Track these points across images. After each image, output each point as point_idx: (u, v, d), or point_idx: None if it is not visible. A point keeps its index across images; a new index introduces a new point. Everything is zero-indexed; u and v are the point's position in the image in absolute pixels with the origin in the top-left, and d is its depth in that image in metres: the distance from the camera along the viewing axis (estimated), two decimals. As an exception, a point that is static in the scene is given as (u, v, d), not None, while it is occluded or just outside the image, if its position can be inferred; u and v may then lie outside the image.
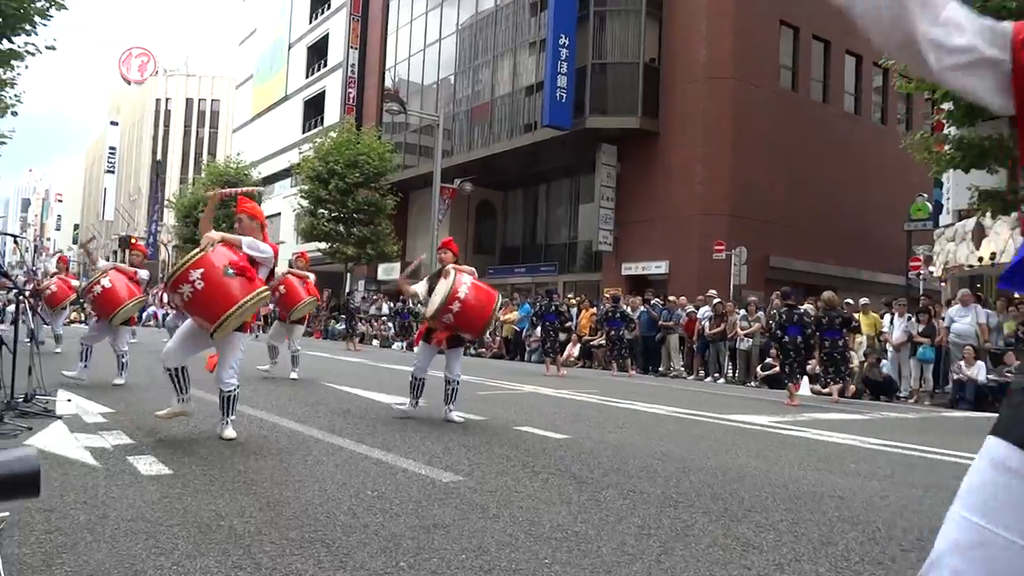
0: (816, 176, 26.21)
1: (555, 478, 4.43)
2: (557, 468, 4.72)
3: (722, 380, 15.69)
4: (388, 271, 37.39)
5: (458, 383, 6.68)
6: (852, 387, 12.60)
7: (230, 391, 5.07)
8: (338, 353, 18.05)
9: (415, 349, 6.72)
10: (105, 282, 7.84)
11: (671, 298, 17.94)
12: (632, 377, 15.39)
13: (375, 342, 24.80)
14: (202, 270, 4.72)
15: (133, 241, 8.54)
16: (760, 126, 24.91)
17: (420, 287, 6.74)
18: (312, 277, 10.20)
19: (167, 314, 20.01)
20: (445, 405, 6.66)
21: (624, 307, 17.39)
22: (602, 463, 4.98)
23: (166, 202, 61.00)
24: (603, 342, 17.46)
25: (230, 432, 5.10)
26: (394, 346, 24.40)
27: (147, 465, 4.20)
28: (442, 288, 6.29)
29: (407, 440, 5.47)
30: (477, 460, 4.84)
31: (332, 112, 42.15)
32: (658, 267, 25.35)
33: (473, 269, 6.68)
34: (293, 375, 9.64)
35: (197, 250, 4.83)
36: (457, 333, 6.51)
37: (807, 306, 13.15)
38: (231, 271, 4.77)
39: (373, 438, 5.49)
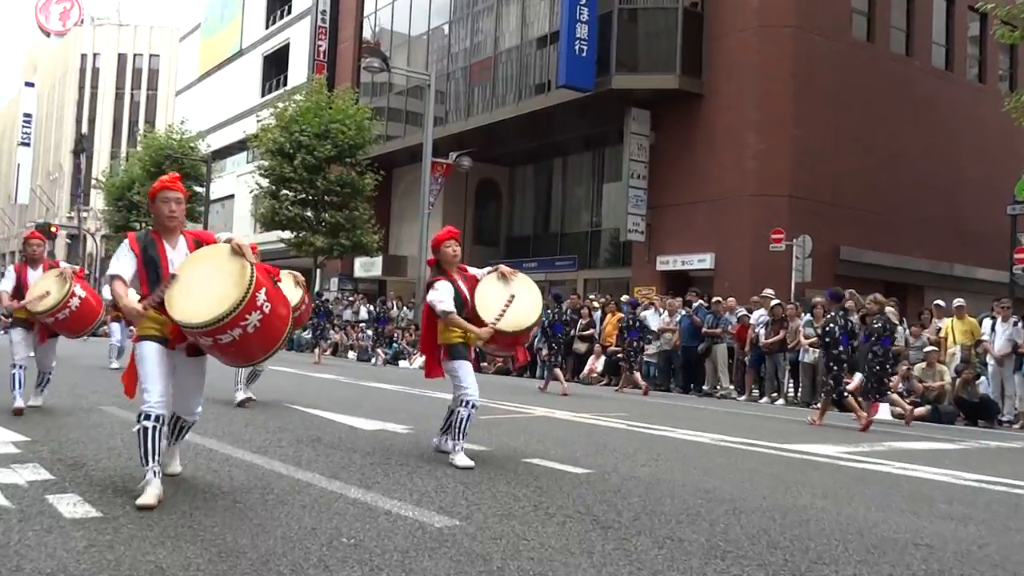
0: (897, 148, 26.15)
1: (574, 522, 4.42)
2: (576, 510, 4.72)
3: (781, 401, 15.67)
4: (367, 266, 37.50)
5: (475, 407, 6.17)
6: (912, 409, 12.87)
7: (193, 421, 4.93)
8: (305, 368, 18.10)
9: (415, 365, 6.55)
10: (80, 292, 7.77)
11: (717, 299, 17.93)
12: (647, 395, 15.41)
13: (351, 354, 24.84)
14: (264, 288, 4.38)
15: (31, 232, 8.45)
16: (827, 85, 24.85)
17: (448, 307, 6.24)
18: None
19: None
20: (442, 434, 6.56)
21: (643, 313, 17.46)
22: (632, 504, 4.98)
23: (94, 182, 61.19)
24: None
25: (176, 466, 5.10)
26: (373, 360, 24.45)
27: (71, 506, 4.21)
28: (519, 301, 6.29)
29: (391, 475, 5.48)
30: (477, 500, 4.84)
31: (298, 71, 42.25)
32: (701, 261, 25.33)
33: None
34: (245, 393, 9.36)
35: (244, 266, 4.36)
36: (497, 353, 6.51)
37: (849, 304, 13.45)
38: (274, 280, 4.62)
39: (349, 473, 5.50)
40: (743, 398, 16.33)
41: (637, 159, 26.80)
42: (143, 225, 45.76)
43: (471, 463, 5.90)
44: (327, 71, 39.34)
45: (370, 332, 26.12)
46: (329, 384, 13.48)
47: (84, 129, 79.58)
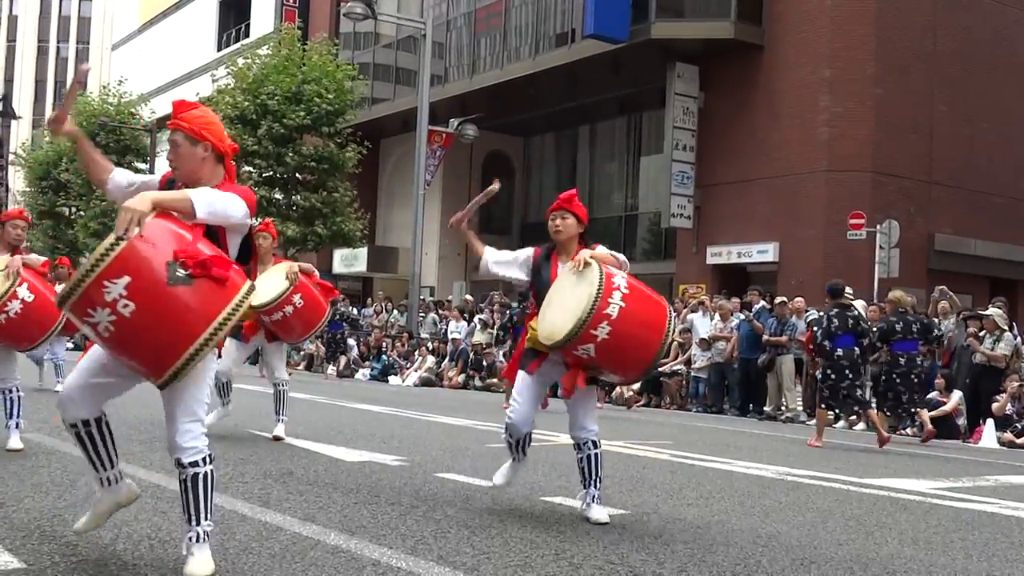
0: (1005, 115, 26.05)
1: (604, 574, 4.43)
2: (607, 559, 4.72)
3: (861, 426, 15.63)
4: (348, 260, 37.57)
5: (597, 447, 5.80)
6: (929, 426, 13.32)
7: (200, 459, 4.09)
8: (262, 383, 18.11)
9: (506, 384, 6.30)
10: (25, 293, 7.40)
11: (782, 300, 17.90)
12: (634, 407, 15.40)
13: (331, 368, 24.95)
14: (127, 279, 3.69)
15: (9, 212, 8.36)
16: (917, 36, 24.76)
17: (492, 254, 6.03)
18: (316, 272, 9.98)
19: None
20: (584, 490, 5.88)
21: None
22: (677, 552, 4.98)
23: (12, 156, 61.40)
24: (679, 367, 17.51)
25: (198, 545, 4.05)
26: (329, 370, 24.57)
27: (-12, 555, 4.24)
28: (578, 291, 5.41)
29: (380, 518, 5.50)
30: (486, 547, 4.86)
31: (262, 18, 42.38)
32: (762, 253, 25.30)
33: (621, 257, 5.78)
34: (278, 430, 9.12)
35: (109, 240, 3.73)
36: (597, 374, 5.70)
37: (859, 304, 13.98)
38: (181, 272, 3.79)
39: (328, 514, 5.52)
40: (813, 421, 16.29)
41: (683, 126, 26.76)
42: (72, 211, 46.11)
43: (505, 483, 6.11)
44: (299, 18, 39.46)
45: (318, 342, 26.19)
46: (304, 405, 13.53)
47: (3, 92, 79.87)
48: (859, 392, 12.12)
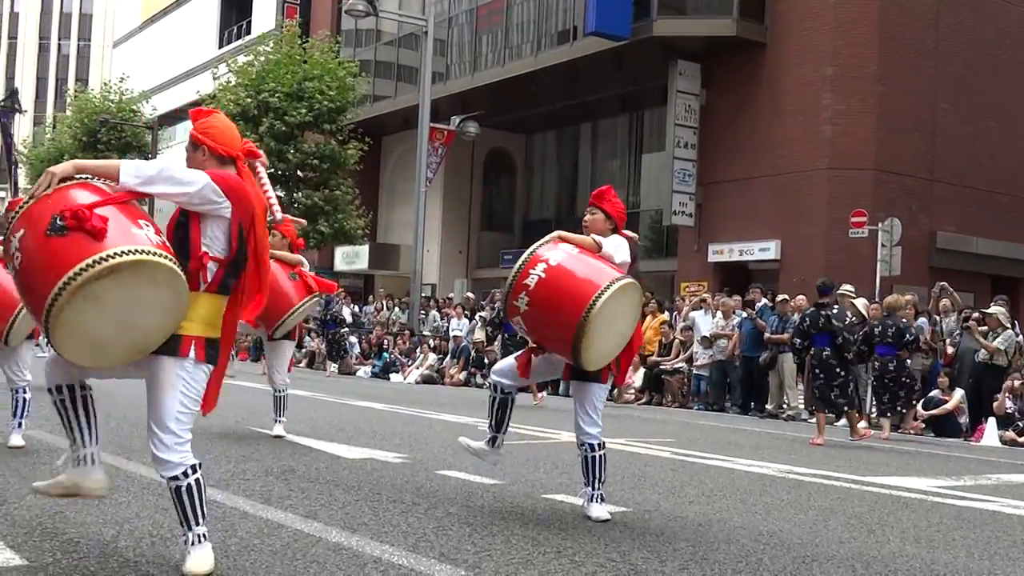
0: (1009, 112, 26.04)
1: (606, 572, 4.44)
2: (609, 556, 4.73)
3: (863, 424, 15.62)
4: (350, 258, 37.59)
5: (595, 449, 5.75)
6: (917, 422, 14.13)
7: (180, 473, 4.03)
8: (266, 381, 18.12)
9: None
10: None
11: (783, 298, 17.89)
12: (540, 402, 15.49)
13: (332, 366, 24.94)
14: (21, 232, 3.87)
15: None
16: (920, 34, 24.75)
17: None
18: (306, 264, 9.81)
19: None
20: (586, 487, 5.81)
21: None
22: (679, 550, 4.99)
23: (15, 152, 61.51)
24: (680, 365, 17.50)
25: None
26: (331, 368, 24.57)
27: (-10, 552, 4.25)
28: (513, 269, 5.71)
29: (381, 515, 5.51)
30: (488, 545, 4.87)
31: (263, 15, 42.39)
32: (764, 250, 25.29)
33: (600, 239, 5.72)
34: (278, 430, 9.19)
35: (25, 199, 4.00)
36: (547, 352, 5.76)
37: (860, 302, 14.50)
38: (59, 222, 3.79)
39: (329, 511, 5.53)
40: (815, 420, 16.28)
41: (684, 124, 26.75)
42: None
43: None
44: (300, 15, 39.47)
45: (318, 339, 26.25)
46: (304, 402, 13.53)
47: (1, 89, 79.84)
48: (834, 393, 12.12)
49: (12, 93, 41.44)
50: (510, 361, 5.95)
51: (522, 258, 5.53)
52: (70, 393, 4.19)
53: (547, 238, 5.72)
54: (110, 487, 4.59)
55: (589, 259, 5.56)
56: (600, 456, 5.73)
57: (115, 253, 3.72)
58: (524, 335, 5.84)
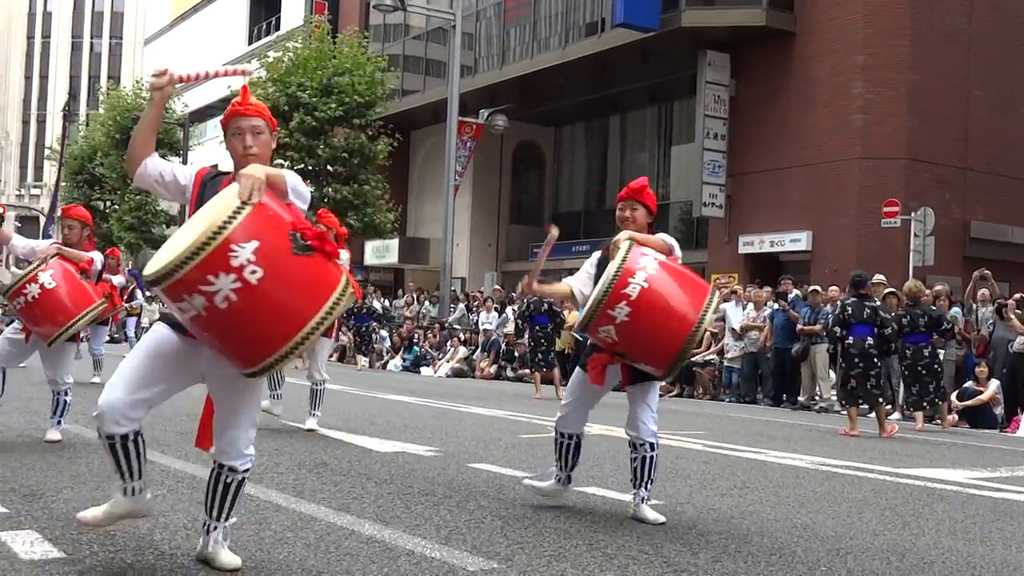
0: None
1: (639, 565, 4.43)
2: (641, 549, 4.73)
3: (896, 415, 15.52)
4: (380, 252, 37.71)
5: (654, 449, 5.57)
6: (952, 416, 13.83)
7: (239, 469, 4.05)
8: (302, 376, 18.19)
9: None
10: (46, 279, 7.26)
11: (815, 289, 17.79)
12: (540, 398, 15.62)
13: (363, 360, 25.04)
14: (255, 244, 3.47)
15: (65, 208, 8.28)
16: (953, 21, 24.51)
17: (575, 281, 5.75)
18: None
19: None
20: (634, 491, 5.60)
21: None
22: (712, 542, 4.98)
23: (47, 152, 62.07)
24: (712, 357, 17.46)
25: (227, 556, 4.08)
26: (361, 362, 24.58)
27: (27, 545, 4.29)
28: (605, 276, 5.25)
29: (413, 508, 5.52)
30: (520, 537, 4.87)
31: (292, 12, 42.55)
32: (795, 241, 25.16)
33: (671, 241, 5.57)
34: (310, 423, 9.22)
35: (232, 203, 3.53)
36: (628, 363, 5.46)
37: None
38: (302, 242, 3.61)
39: (362, 505, 5.55)
40: (847, 412, 16.19)
41: (714, 115, 26.64)
42: (107, 205, 46.50)
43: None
44: (328, 11, 39.56)
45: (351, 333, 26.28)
46: (336, 396, 13.58)
47: (35, 87, 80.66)
48: (870, 383, 12.05)
49: (72, 96, 41.85)
50: (574, 412, 5.73)
51: (615, 267, 5.12)
52: (133, 438, 3.91)
53: (623, 240, 5.32)
54: (156, 508, 4.56)
55: (678, 267, 5.40)
56: (657, 456, 5.58)
57: (347, 283, 3.67)
58: (606, 345, 5.34)
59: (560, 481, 5.80)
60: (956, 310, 15.93)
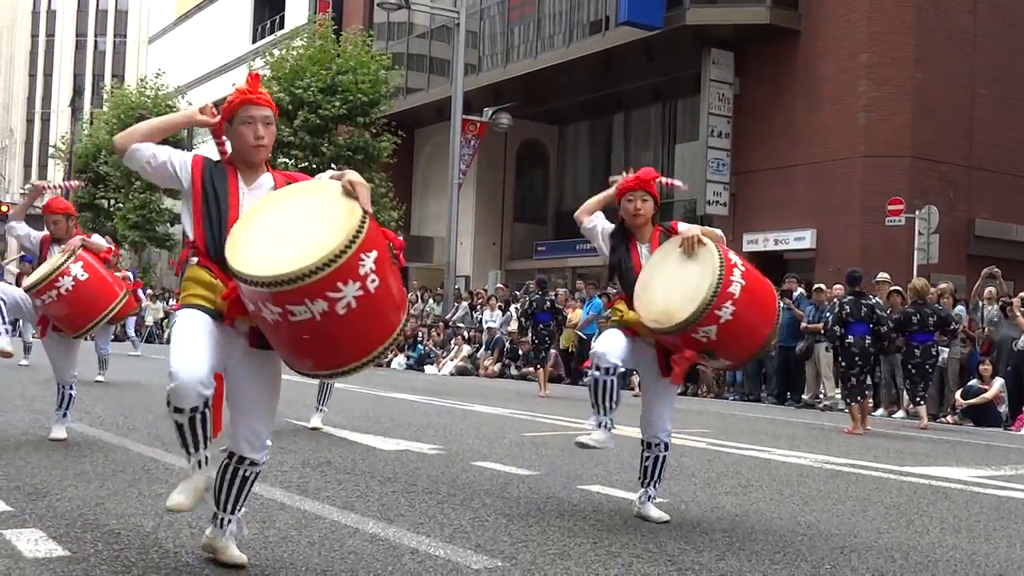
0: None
1: (643, 563, 4.44)
2: (646, 548, 4.73)
3: (900, 414, 15.52)
4: (385, 250, 37.60)
5: (667, 448, 5.54)
6: (925, 417, 13.76)
7: (258, 463, 4.03)
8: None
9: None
10: (79, 271, 7.20)
11: (819, 287, 17.79)
12: (546, 395, 15.88)
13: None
14: (375, 253, 3.56)
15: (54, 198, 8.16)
16: (957, 19, 24.48)
17: (601, 222, 5.67)
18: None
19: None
20: (642, 489, 5.55)
21: (554, 295, 18.19)
22: (715, 540, 4.98)
23: (51, 150, 62.13)
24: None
25: (233, 553, 4.08)
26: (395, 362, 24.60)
27: (31, 543, 4.30)
28: (692, 270, 5.16)
29: (417, 506, 5.53)
30: (524, 536, 4.87)
31: (296, 10, 42.55)
32: (799, 239, 25.14)
33: (720, 232, 5.47)
34: (315, 421, 9.10)
35: (356, 213, 3.57)
36: (710, 361, 5.45)
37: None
38: (394, 253, 3.75)
39: (366, 503, 5.56)
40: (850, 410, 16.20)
41: (718, 113, 26.63)
42: (111, 203, 46.55)
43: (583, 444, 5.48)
44: (332, 9, 39.56)
45: None
46: (340, 394, 13.59)
47: (40, 85, 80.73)
48: (870, 380, 12.48)
49: (78, 93, 41.85)
50: (616, 349, 5.32)
51: (717, 268, 5.04)
52: (205, 405, 3.75)
53: (711, 237, 5.26)
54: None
55: (744, 261, 5.35)
56: (668, 456, 5.56)
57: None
58: (698, 345, 5.15)
59: (606, 427, 5.44)
60: (961, 308, 15.92)
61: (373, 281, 3.49)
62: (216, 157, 4.17)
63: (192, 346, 3.70)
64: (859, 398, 12.33)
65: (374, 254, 3.51)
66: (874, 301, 12.54)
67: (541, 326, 16.90)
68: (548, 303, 16.92)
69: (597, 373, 5.30)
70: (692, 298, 5.01)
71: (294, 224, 3.61)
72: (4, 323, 7.43)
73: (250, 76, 4.18)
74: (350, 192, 3.63)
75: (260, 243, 3.57)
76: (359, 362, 3.63)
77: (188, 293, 3.86)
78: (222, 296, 3.76)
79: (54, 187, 7.96)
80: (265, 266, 3.44)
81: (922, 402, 13.47)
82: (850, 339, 12.15)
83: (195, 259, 3.92)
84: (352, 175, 3.70)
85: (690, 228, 5.34)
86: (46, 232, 8.02)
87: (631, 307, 5.37)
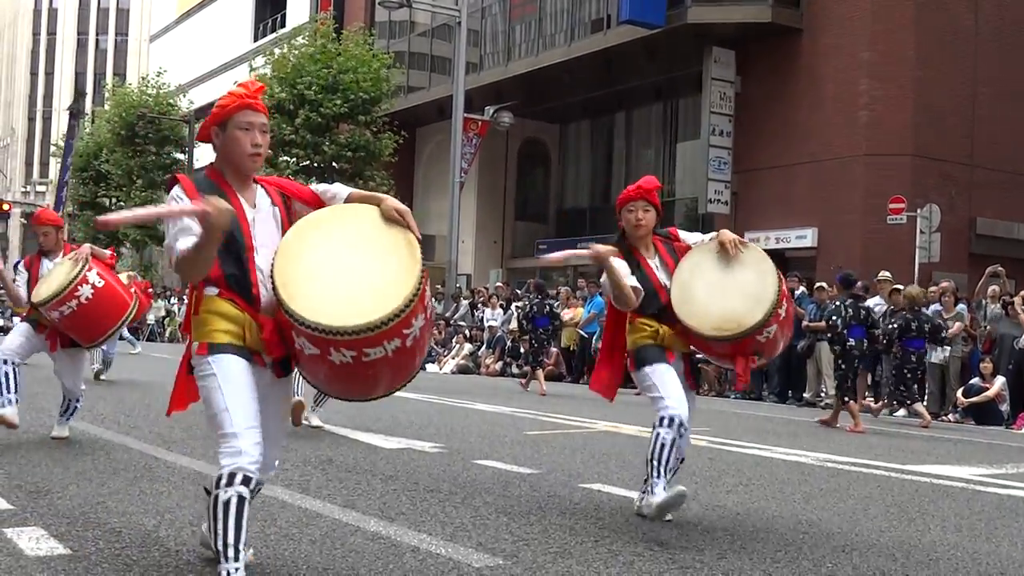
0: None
1: (644, 561, 4.44)
2: (647, 547, 4.73)
3: (902, 412, 15.50)
4: (386, 248, 37.63)
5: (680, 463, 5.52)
6: (927, 415, 13.81)
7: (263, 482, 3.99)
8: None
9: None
10: (95, 279, 7.12)
11: (820, 285, 17.75)
12: (527, 389, 16.07)
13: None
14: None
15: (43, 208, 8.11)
16: (961, 17, 24.48)
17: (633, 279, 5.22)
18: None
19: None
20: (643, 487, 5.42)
21: (554, 300, 18.33)
22: (717, 538, 4.98)
23: (52, 148, 62.13)
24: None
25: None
26: None
27: (33, 541, 4.31)
28: (760, 271, 5.21)
29: (419, 504, 5.53)
30: (525, 534, 4.88)
31: (298, 8, 42.57)
32: (801, 238, 25.13)
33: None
34: (315, 420, 9.01)
35: (411, 242, 3.62)
36: (760, 359, 5.46)
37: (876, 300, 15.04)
38: None
39: (367, 501, 5.56)
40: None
41: (719, 111, 26.63)
42: (113, 201, 46.52)
43: (667, 505, 5.00)
44: (334, 8, 39.57)
45: None
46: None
47: (41, 84, 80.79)
48: (859, 381, 12.76)
49: (79, 96, 41.75)
50: (677, 386, 5.25)
51: (774, 270, 5.20)
52: (254, 493, 3.59)
53: (754, 249, 5.37)
54: None
55: None
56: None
57: None
58: (756, 345, 5.19)
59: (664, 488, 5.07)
60: (962, 307, 15.90)
61: (432, 307, 3.69)
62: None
63: (247, 408, 3.52)
64: (855, 397, 12.46)
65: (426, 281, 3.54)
66: (869, 304, 12.82)
67: (541, 330, 17.12)
68: (547, 307, 17.16)
69: (669, 433, 5.07)
70: (758, 300, 5.11)
71: (348, 263, 3.54)
72: (12, 393, 7.23)
73: (250, 82, 3.93)
74: (394, 219, 3.62)
75: (320, 287, 3.49)
76: (389, 390, 3.71)
77: (213, 328, 3.58)
78: (263, 336, 3.60)
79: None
80: (349, 316, 3.38)
81: (914, 403, 13.64)
82: (851, 342, 12.29)
83: (214, 290, 3.62)
84: (393, 202, 3.66)
85: (725, 233, 5.34)
86: (26, 257, 7.96)
87: (656, 320, 5.32)
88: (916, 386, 13.68)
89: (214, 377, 3.53)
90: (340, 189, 3.87)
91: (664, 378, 5.22)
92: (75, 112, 38.56)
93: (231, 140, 3.71)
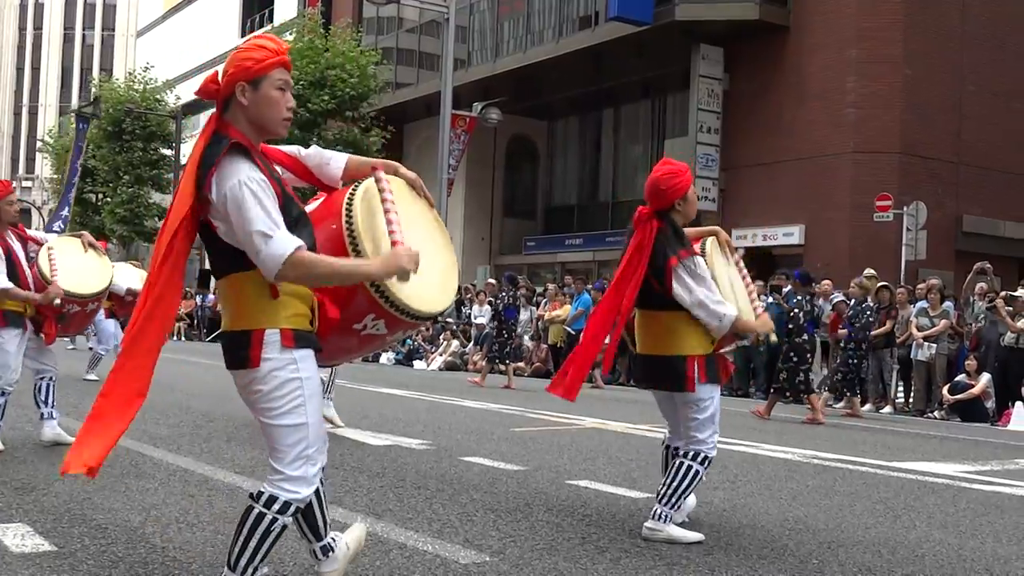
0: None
1: (631, 558, 4.45)
2: (634, 543, 4.74)
3: (888, 409, 15.57)
4: (373, 245, 37.58)
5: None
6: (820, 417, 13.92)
7: None
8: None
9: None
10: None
11: (783, 273, 17.81)
12: (483, 386, 16.00)
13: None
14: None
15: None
16: (946, 15, 24.53)
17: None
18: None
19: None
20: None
21: (522, 292, 18.76)
22: (703, 535, 4.98)
23: (39, 144, 61.82)
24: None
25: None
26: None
27: (18, 538, 4.30)
28: (734, 274, 5.34)
29: (406, 501, 5.52)
30: (512, 531, 4.88)
31: (286, 4, 42.45)
32: (788, 235, 25.20)
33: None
34: (330, 412, 8.82)
35: (440, 221, 3.80)
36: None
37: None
38: None
39: (354, 498, 5.55)
40: (840, 404, 16.22)
41: (707, 108, 26.68)
42: (99, 197, 46.29)
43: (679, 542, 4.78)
44: (321, 4, 39.49)
45: None
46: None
47: (27, 79, 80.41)
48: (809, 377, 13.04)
49: (94, 101, 41.40)
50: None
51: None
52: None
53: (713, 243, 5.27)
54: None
55: None
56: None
57: None
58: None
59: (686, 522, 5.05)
60: (948, 304, 15.94)
61: None
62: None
63: (321, 422, 3.29)
64: (801, 394, 12.91)
65: None
66: (820, 301, 13.45)
67: (512, 321, 17.38)
68: (521, 300, 17.46)
69: (704, 472, 4.92)
70: (745, 300, 5.26)
71: (423, 249, 3.37)
72: (49, 406, 7.21)
73: (270, 38, 3.46)
74: (417, 188, 3.69)
75: (427, 281, 3.44)
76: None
77: (295, 312, 3.17)
78: (331, 314, 3.26)
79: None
80: (433, 302, 3.54)
81: (856, 394, 14.47)
82: (803, 337, 12.80)
83: None
84: (411, 174, 3.67)
85: (719, 234, 5.41)
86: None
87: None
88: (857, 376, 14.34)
89: (299, 382, 3.16)
90: (334, 155, 3.58)
91: (719, 407, 4.95)
92: (84, 116, 38.24)
93: (265, 101, 3.25)
